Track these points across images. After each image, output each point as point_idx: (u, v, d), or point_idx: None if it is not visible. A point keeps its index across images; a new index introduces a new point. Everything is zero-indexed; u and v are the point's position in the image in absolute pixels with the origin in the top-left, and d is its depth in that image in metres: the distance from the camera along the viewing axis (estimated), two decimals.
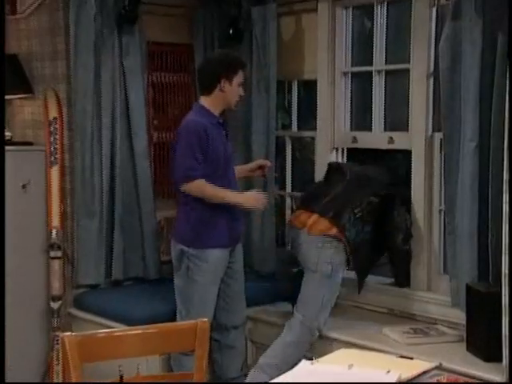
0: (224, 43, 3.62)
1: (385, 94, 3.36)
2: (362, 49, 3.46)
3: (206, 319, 2.02)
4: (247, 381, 3.04)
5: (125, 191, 3.49)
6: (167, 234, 3.59)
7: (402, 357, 1.80)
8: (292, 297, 3.23)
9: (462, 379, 2.23)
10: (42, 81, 3.48)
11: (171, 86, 3.80)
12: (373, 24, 3.36)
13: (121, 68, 3.44)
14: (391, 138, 3.30)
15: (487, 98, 2.72)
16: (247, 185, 3.65)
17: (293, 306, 3.14)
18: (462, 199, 2.83)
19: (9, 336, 2.68)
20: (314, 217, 3.04)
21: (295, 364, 2.90)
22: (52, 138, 3.39)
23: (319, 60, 3.49)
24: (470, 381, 2.49)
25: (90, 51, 3.33)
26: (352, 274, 3.20)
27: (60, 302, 3.37)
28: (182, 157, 2.88)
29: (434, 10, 3.08)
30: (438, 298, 3.09)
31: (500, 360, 2.48)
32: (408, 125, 3.22)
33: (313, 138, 3.66)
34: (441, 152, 3.08)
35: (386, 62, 3.35)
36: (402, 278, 3.24)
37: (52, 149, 3.39)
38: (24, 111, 3.60)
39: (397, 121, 3.38)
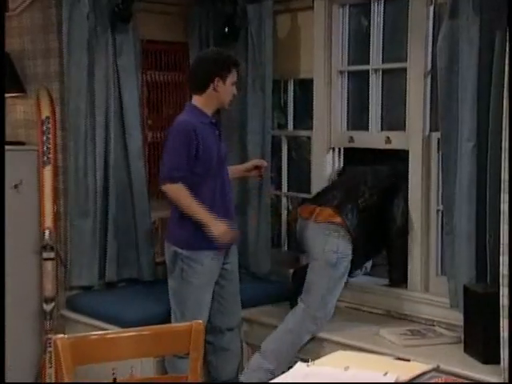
0: (219, 41, 3.62)
1: (382, 93, 3.36)
2: (359, 47, 3.46)
3: (200, 321, 2.01)
4: (250, 364, 3.05)
5: (119, 191, 3.49)
6: (162, 234, 3.58)
7: (399, 359, 1.80)
8: (291, 297, 3.24)
9: (460, 381, 2.24)
10: (35, 79, 3.47)
11: (166, 85, 3.80)
12: (369, 22, 3.36)
13: (115, 67, 3.43)
14: (388, 137, 3.30)
15: (485, 97, 2.73)
16: (242, 185, 3.66)
17: (291, 307, 3.14)
18: (460, 199, 2.84)
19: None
20: (319, 207, 3.12)
21: (292, 352, 2.95)
22: (45, 138, 3.38)
23: (315, 59, 3.49)
24: (468, 382, 2.49)
25: (83, 49, 3.32)
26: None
27: (53, 304, 3.36)
28: (167, 157, 2.89)
29: (432, 8, 3.08)
30: (436, 300, 3.09)
31: (498, 362, 2.49)
32: (405, 124, 3.23)
33: (309, 138, 3.66)
34: (438, 152, 3.08)
35: (383, 61, 3.35)
36: (397, 276, 3.25)
37: (45, 148, 3.38)
38: (16, 110, 3.59)
39: (394, 120, 3.39)
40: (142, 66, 3.62)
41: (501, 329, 2.45)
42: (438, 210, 3.13)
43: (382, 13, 3.32)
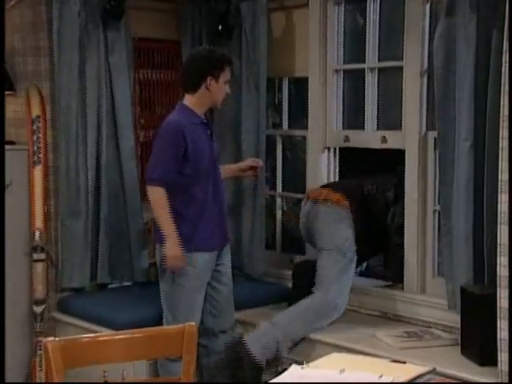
0: (213, 39, 3.62)
1: (377, 92, 3.37)
2: (355, 46, 3.46)
3: (193, 323, 2.01)
4: (258, 329, 3.04)
5: (111, 192, 3.48)
6: (154, 235, 3.58)
7: (395, 361, 1.80)
8: (291, 295, 3.24)
9: (456, 383, 2.24)
10: (25, 77, 3.46)
11: (158, 84, 3.79)
12: (365, 20, 3.36)
13: (106, 65, 3.43)
14: (384, 137, 3.31)
15: (482, 96, 2.74)
16: (237, 185, 3.66)
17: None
18: (457, 199, 2.84)
19: None
20: (327, 190, 3.18)
21: (303, 334, 3.00)
22: (35, 137, 3.37)
23: (310, 57, 3.49)
24: None
25: (74, 47, 3.31)
26: None
27: (43, 306, 3.35)
28: (154, 158, 2.89)
29: (428, 6, 3.09)
30: (433, 301, 3.10)
31: (495, 364, 2.49)
32: (401, 124, 3.23)
33: (304, 137, 3.66)
34: (435, 151, 3.09)
35: (379, 60, 3.35)
36: (392, 273, 3.25)
37: (35, 148, 3.37)
38: (6, 109, 3.57)
39: (390, 119, 3.39)
40: (134, 65, 3.62)
41: (498, 330, 2.45)
42: (434, 211, 3.14)
43: (377, 10, 3.33)
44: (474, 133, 2.78)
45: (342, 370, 1.64)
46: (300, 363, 1.74)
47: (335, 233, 3.07)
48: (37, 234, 3.34)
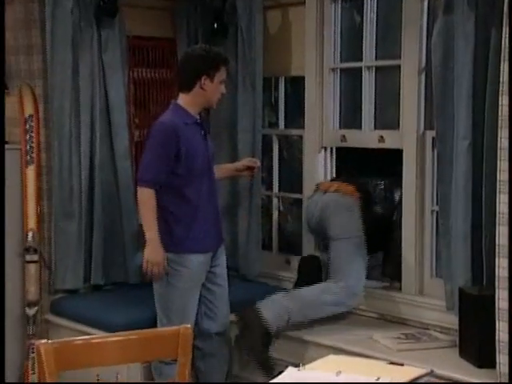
0: (208, 37, 3.62)
1: (375, 91, 3.37)
2: (352, 44, 3.46)
3: (188, 325, 2.01)
4: (272, 297, 3.07)
5: (105, 192, 3.47)
6: None
7: (392, 363, 1.80)
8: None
9: None
10: (17, 76, 3.45)
11: (153, 83, 3.79)
12: (362, 18, 3.36)
13: (100, 63, 3.42)
14: (381, 136, 3.31)
15: (480, 94, 2.74)
16: (232, 185, 3.65)
17: None
18: (456, 199, 2.84)
19: None
20: (338, 182, 3.22)
21: (315, 315, 3.05)
22: (28, 137, 3.36)
23: (307, 56, 3.49)
24: None
25: (67, 46, 3.30)
26: None
27: (36, 308, 3.34)
28: (145, 159, 2.90)
29: (426, 3, 3.09)
30: (431, 303, 3.10)
31: (493, 366, 2.49)
32: (399, 123, 3.23)
33: (300, 137, 3.66)
34: (433, 151, 3.09)
35: (376, 58, 3.35)
36: (390, 272, 3.28)
37: (28, 147, 3.36)
38: None
39: (387, 119, 3.39)
40: (129, 63, 3.61)
41: (496, 332, 2.45)
42: (432, 211, 3.14)
43: (375, 8, 3.33)
44: (472, 132, 2.78)
45: (339, 373, 1.64)
46: (296, 365, 1.74)
47: (349, 221, 3.10)
48: (30, 234, 3.33)
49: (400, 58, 3.19)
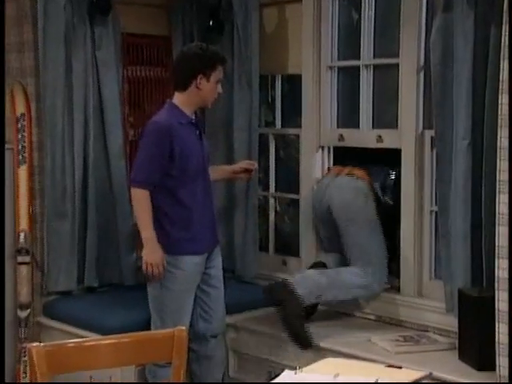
0: (204, 35, 3.61)
1: (373, 90, 3.37)
2: (349, 42, 3.46)
3: (183, 327, 2.01)
4: (305, 273, 3.11)
5: (98, 192, 3.47)
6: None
7: (391, 366, 1.81)
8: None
9: None
10: (8, 74, 3.43)
11: (148, 81, 3.78)
12: (360, 15, 3.36)
13: (93, 61, 3.41)
14: (380, 136, 3.31)
15: (480, 93, 2.74)
16: (229, 185, 3.65)
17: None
18: (455, 200, 2.85)
19: None
20: (350, 166, 3.24)
21: (343, 298, 3.11)
22: (20, 136, 3.35)
23: (304, 54, 3.49)
24: None
25: (59, 43, 3.30)
26: None
27: (28, 311, 3.33)
28: (138, 159, 2.90)
29: (425, 0, 3.09)
30: (430, 304, 3.10)
31: (493, 369, 2.50)
32: (397, 122, 3.24)
33: (297, 136, 3.65)
34: (432, 150, 3.09)
35: (374, 56, 3.35)
36: (395, 267, 3.31)
37: (20, 147, 3.35)
38: None
39: (386, 118, 3.39)
40: (123, 61, 3.61)
41: (496, 334, 2.46)
42: (431, 211, 3.14)
43: (373, 5, 3.33)
44: (471, 131, 2.78)
45: (337, 375, 1.64)
46: (293, 368, 1.74)
47: (366, 205, 3.12)
48: (21, 235, 3.33)
49: (398, 56, 3.19)
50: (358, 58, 3.37)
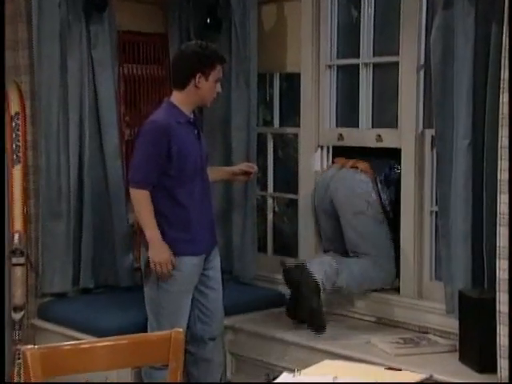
0: (201, 33, 3.61)
1: (372, 89, 3.37)
2: (348, 40, 3.46)
3: (180, 329, 2.01)
4: (322, 259, 3.19)
5: (94, 192, 3.47)
6: (140, 238, 3.57)
7: (390, 368, 1.81)
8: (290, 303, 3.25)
9: None
10: None
11: (144, 80, 3.78)
12: (360, 13, 3.37)
13: (89, 59, 3.41)
14: (379, 135, 3.31)
15: (481, 92, 2.75)
16: (227, 185, 3.64)
17: (289, 315, 3.19)
18: (455, 200, 2.85)
19: None
20: (354, 159, 3.30)
21: (356, 287, 3.20)
22: (14, 135, 3.35)
23: (303, 52, 3.49)
24: None
25: (54, 41, 3.30)
26: None
27: (22, 313, 3.33)
28: (136, 159, 2.90)
29: None
30: (430, 306, 3.11)
31: (495, 371, 2.50)
32: (397, 121, 3.24)
33: (296, 135, 3.66)
34: (432, 150, 3.10)
35: (374, 55, 3.36)
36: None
37: (14, 146, 3.35)
38: None
39: (385, 117, 3.40)
40: (119, 59, 3.60)
41: (498, 336, 2.46)
42: (431, 211, 3.15)
43: (372, 3, 3.33)
44: (472, 130, 2.79)
45: (335, 378, 1.64)
46: (291, 371, 1.74)
47: (370, 197, 3.17)
48: (16, 236, 3.32)
49: (398, 54, 3.19)
50: (358, 56, 3.38)
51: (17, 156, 3.36)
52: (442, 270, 3.02)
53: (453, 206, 2.87)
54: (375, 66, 3.37)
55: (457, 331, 2.80)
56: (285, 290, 3.36)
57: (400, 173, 3.24)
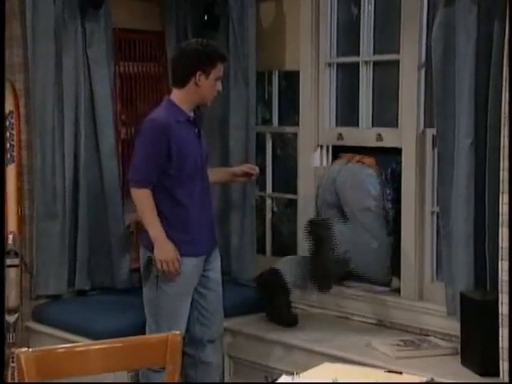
0: (198, 31, 3.61)
1: (373, 87, 3.37)
2: (348, 38, 3.47)
3: (177, 332, 2.00)
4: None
5: (90, 192, 3.46)
6: (136, 238, 3.57)
7: (391, 371, 1.80)
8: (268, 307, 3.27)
9: None
10: None
11: (140, 78, 3.78)
12: (360, 10, 3.37)
13: (84, 57, 3.41)
14: (379, 134, 3.31)
15: (483, 90, 2.75)
16: (225, 185, 3.64)
17: (269, 317, 3.21)
18: (456, 200, 2.85)
19: None
20: (360, 155, 3.37)
21: None
22: (8, 134, 3.35)
23: (302, 50, 3.49)
24: None
25: (49, 38, 3.29)
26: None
27: (16, 315, 3.32)
28: (136, 158, 2.90)
29: None
30: (431, 308, 3.11)
31: (497, 374, 2.50)
32: (398, 120, 3.24)
33: (295, 135, 3.66)
34: (433, 150, 3.10)
35: (374, 53, 3.36)
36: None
37: (8, 146, 3.35)
38: None
39: (386, 116, 3.40)
40: (115, 57, 3.60)
41: (500, 339, 2.46)
42: (432, 212, 3.15)
43: (372, 0, 3.33)
44: (474, 130, 2.79)
45: (335, 381, 1.64)
46: (290, 374, 1.74)
47: (377, 192, 3.24)
48: (10, 237, 3.32)
49: (399, 52, 3.19)
50: (358, 54, 3.38)
51: (11, 155, 3.35)
52: (443, 271, 3.02)
53: (454, 206, 2.87)
54: (375, 64, 3.37)
55: (458, 333, 2.80)
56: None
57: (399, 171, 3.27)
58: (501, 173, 2.47)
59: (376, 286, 3.38)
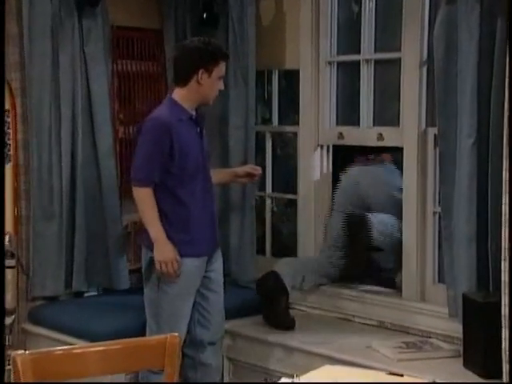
0: (197, 29, 3.61)
1: (374, 86, 3.37)
2: (349, 36, 3.47)
3: (176, 334, 2.00)
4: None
5: (87, 193, 3.46)
6: (135, 239, 3.57)
7: (392, 374, 1.81)
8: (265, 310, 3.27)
9: None
10: None
11: (138, 76, 3.77)
12: (360, 8, 3.37)
13: (82, 55, 3.41)
14: (381, 134, 3.31)
15: (485, 89, 2.75)
16: (225, 185, 3.64)
17: (267, 320, 3.22)
18: (459, 200, 2.85)
19: None
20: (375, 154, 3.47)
21: None
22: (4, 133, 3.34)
23: (302, 48, 3.49)
24: None
25: (46, 36, 3.29)
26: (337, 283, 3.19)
27: (13, 317, 3.32)
28: (138, 157, 2.90)
29: None
30: (433, 309, 3.11)
31: (499, 377, 2.50)
32: (399, 119, 3.24)
33: (295, 134, 3.66)
34: (435, 149, 3.10)
35: (375, 51, 3.36)
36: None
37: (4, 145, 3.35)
38: None
39: (387, 115, 3.40)
40: (112, 55, 3.60)
41: (503, 341, 2.46)
42: (434, 213, 3.15)
43: None
44: (477, 129, 2.79)
45: (336, 382, 1.64)
46: (290, 376, 1.74)
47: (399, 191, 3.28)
48: (6, 238, 3.31)
49: (400, 50, 3.20)
50: (359, 52, 3.38)
51: (7, 155, 3.35)
52: (445, 272, 3.02)
53: (456, 206, 2.87)
54: (376, 62, 3.37)
55: (460, 335, 2.80)
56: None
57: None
58: (504, 173, 2.47)
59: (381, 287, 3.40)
